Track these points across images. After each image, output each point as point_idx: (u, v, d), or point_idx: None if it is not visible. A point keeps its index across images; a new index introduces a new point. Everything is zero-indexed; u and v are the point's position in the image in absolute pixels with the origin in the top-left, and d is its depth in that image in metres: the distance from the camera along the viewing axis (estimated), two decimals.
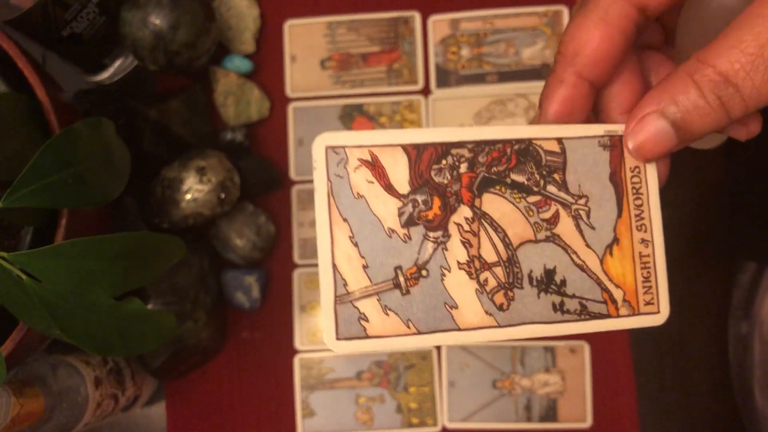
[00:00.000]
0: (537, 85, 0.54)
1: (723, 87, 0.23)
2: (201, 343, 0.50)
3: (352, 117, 0.54)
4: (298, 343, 0.53)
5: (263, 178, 0.53)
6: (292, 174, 0.54)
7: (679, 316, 0.52)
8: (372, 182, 0.25)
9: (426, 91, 0.54)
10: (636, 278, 0.26)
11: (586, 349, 0.52)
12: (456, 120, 0.54)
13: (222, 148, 0.52)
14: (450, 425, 0.52)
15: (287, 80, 0.55)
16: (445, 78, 0.54)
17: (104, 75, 0.53)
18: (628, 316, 0.26)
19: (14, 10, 0.42)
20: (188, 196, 0.48)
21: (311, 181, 0.54)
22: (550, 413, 0.51)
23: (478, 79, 0.54)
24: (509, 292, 0.25)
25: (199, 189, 0.48)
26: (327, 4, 0.55)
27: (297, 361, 0.53)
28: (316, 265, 0.54)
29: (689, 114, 0.24)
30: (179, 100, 0.51)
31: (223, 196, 0.48)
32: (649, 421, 0.52)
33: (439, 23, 0.54)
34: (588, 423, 0.51)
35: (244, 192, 0.51)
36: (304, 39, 0.55)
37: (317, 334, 0.53)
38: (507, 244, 0.26)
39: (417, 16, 0.55)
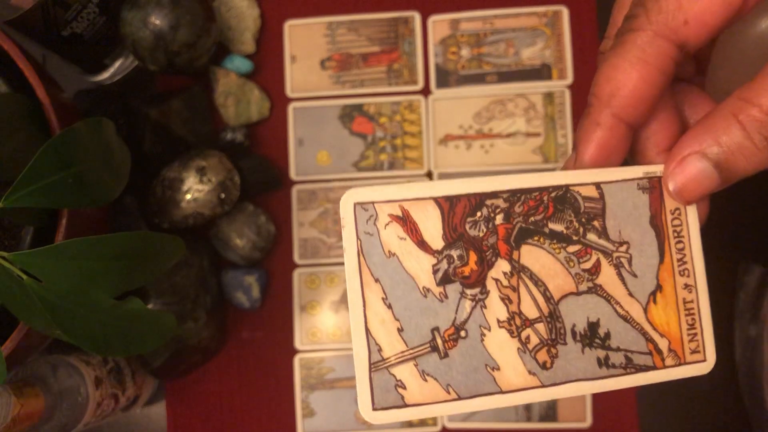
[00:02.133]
0: (537, 85, 0.54)
1: None
2: (201, 343, 0.50)
3: (351, 117, 0.54)
4: (298, 342, 0.53)
5: (263, 178, 0.53)
6: (292, 174, 0.54)
7: None
8: (404, 239, 0.24)
9: (426, 92, 0.54)
10: (681, 326, 0.25)
11: None
12: (456, 120, 0.54)
13: (222, 148, 0.52)
14: (450, 425, 0.52)
15: (287, 80, 0.55)
16: (445, 78, 0.54)
17: (104, 75, 0.53)
18: (675, 366, 0.25)
19: (15, 10, 0.42)
20: (188, 196, 0.48)
21: (311, 181, 0.54)
22: (550, 413, 0.51)
23: (478, 79, 0.54)
24: (552, 349, 0.24)
25: (200, 189, 0.48)
26: (327, 4, 0.55)
27: (297, 360, 0.53)
28: (316, 265, 0.54)
29: (733, 155, 0.23)
30: (179, 100, 0.51)
31: (223, 196, 0.48)
32: (648, 420, 0.52)
33: (439, 23, 0.54)
34: (588, 423, 0.51)
35: (244, 192, 0.51)
36: (304, 39, 0.55)
37: (317, 334, 0.53)
38: (548, 298, 0.24)
39: (417, 17, 0.55)
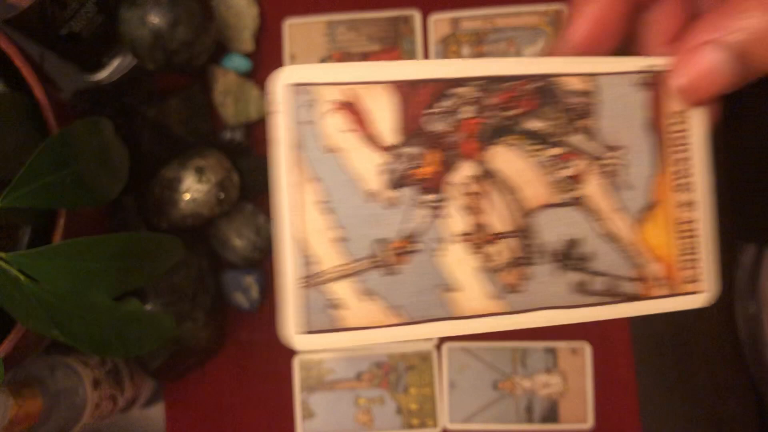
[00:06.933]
0: None
1: None
2: (200, 344, 0.50)
3: None
4: None
5: (263, 177, 0.53)
6: None
7: (680, 316, 0.51)
8: (349, 131, 0.20)
9: None
10: (676, 250, 0.22)
11: (588, 349, 0.51)
12: None
13: (221, 148, 0.52)
14: (451, 426, 0.52)
15: None
16: None
17: (103, 74, 0.53)
18: (666, 296, 0.22)
19: (12, 9, 0.42)
20: (187, 196, 0.47)
21: None
22: (552, 414, 0.51)
23: None
24: (521, 270, 0.21)
25: (198, 189, 0.47)
26: (327, 2, 0.55)
27: (296, 362, 0.53)
28: None
29: (757, 43, 0.19)
30: (178, 99, 0.51)
31: (222, 196, 0.48)
32: (650, 421, 0.51)
33: (440, 22, 0.54)
34: (589, 424, 0.51)
35: (244, 192, 0.51)
36: (303, 38, 0.55)
37: None
38: (520, 208, 0.21)
39: (417, 15, 0.54)
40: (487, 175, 0.21)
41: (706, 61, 0.20)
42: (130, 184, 0.40)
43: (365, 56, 0.54)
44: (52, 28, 0.45)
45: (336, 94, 0.20)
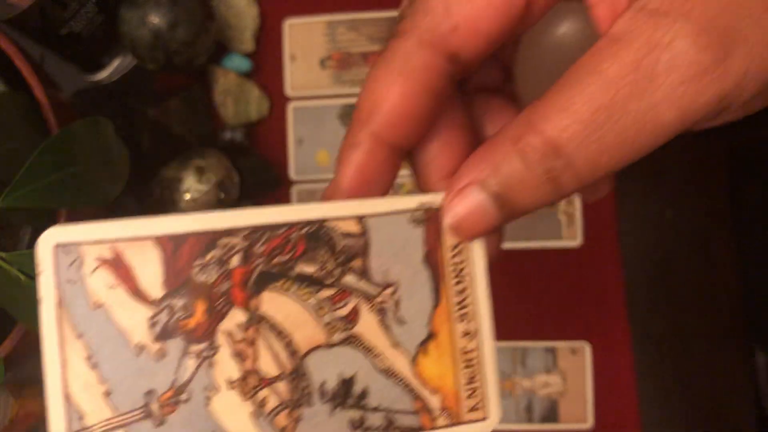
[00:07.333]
0: None
1: (552, 158, 0.19)
2: None
3: (351, 116, 0.54)
4: None
5: (263, 178, 0.53)
6: (292, 174, 0.54)
7: (680, 316, 0.51)
8: (115, 287, 0.20)
9: None
10: (458, 379, 0.22)
11: (587, 349, 0.51)
12: None
13: (221, 148, 0.52)
14: None
15: (287, 79, 0.55)
16: None
17: (103, 74, 0.53)
18: (448, 426, 0.22)
19: (12, 8, 0.42)
20: (187, 196, 0.47)
21: (311, 182, 0.54)
22: (551, 414, 0.51)
23: None
24: (294, 412, 0.21)
25: (199, 189, 0.47)
26: (327, 2, 0.55)
27: None
28: None
29: (512, 189, 0.20)
30: (178, 99, 0.51)
31: (222, 196, 0.48)
32: (650, 421, 0.51)
33: None
34: (589, 424, 0.51)
35: (244, 192, 0.51)
36: (303, 38, 0.55)
37: None
38: (292, 352, 0.21)
39: None
40: (258, 321, 0.21)
41: (470, 202, 0.20)
42: (131, 184, 0.40)
43: (365, 56, 0.54)
44: (52, 28, 0.45)
45: (101, 252, 0.20)
